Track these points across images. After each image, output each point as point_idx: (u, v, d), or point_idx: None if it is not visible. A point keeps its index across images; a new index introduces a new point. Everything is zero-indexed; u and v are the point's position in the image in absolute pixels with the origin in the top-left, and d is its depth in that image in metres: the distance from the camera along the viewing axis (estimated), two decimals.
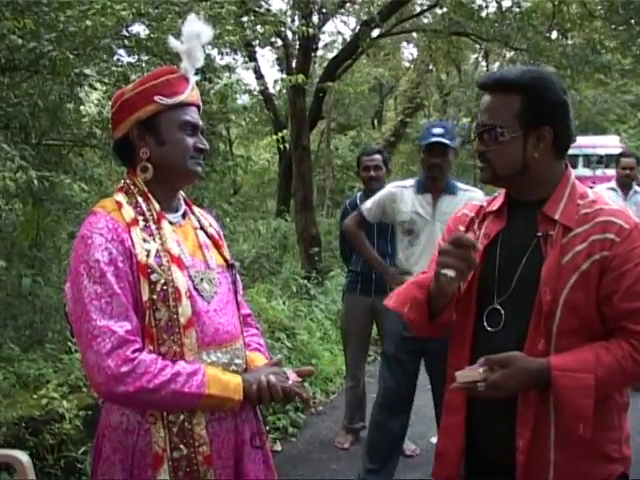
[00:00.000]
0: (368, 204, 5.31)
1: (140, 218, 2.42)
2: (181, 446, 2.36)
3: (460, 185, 5.17)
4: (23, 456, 3.64)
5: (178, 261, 2.41)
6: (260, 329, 2.93)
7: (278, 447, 6.31)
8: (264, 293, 9.19)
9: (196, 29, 2.54)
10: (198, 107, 2.57)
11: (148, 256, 2.36)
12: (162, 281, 2.34)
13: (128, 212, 2.41)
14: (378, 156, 6.17)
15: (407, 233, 5.03)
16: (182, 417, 2.37)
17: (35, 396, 4.95)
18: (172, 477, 2.35)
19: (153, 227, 2.42)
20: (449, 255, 2.38)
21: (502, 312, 2.52)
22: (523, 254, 2.51)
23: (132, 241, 2.35)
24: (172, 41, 2.56)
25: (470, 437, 2.63)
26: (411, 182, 5.20)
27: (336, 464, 5.77)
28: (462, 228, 2.74)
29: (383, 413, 5.10)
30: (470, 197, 5.03)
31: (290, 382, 2.49)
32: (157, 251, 2.38)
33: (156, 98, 2.43)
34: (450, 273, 2.37)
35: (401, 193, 5.11)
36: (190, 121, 2.49)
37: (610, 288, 2.37)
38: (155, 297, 2.34)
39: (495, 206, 2.68)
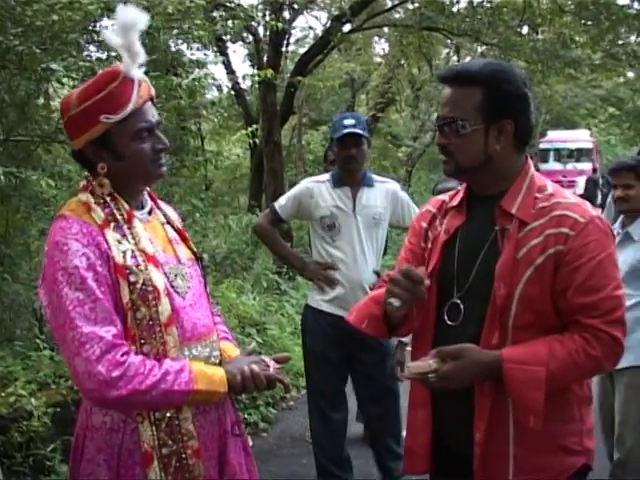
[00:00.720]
0: (282, 200, 5.11)
1: (111, 219, 2.38)
2: (170, 442, 2.36)
3: (376, 177, 5.11)
4: None
5: (154, 260, 2.39)
6: (222, 316, 2.93)
7: (249, 442, 6.28)
8: (235, 288, 9.17)
9: (130, 19, 2.39)
10: (152, 99, 2.47)
11: (125, 257, 2.33)
12: (140, 281, 2.33)
13: (98, 214, 2.37)
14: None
15: (328, 228, 4.87)
16: (169, 414, 2.37)
17: (3, 394, 4.91)
18: (162, 474, 2.35)
19: (125, 227, 2.39)
20: (398, 285, 2.41)
21: (461, 306, 2.53)
22: (481, 248, 2.51)
23: (108, 244, 2.32)
24: (107, 35, 2.43)
25: (435, 431, 2.65)
26: (326, 177, 5.06)
27: (307, 459, 5.76)
28: (424, 225, 2.75)
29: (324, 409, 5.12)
30: (387, 189, 5.03)
31: (271, 369, 2.50)
32: (132, 251, 2.36)
33: (102, 118, 2.32)
34: (396, 303, 2.41)
35: (318, 188, 4.95)
36: (144, 127, 2.40)
37: (564, 283, 2.38)
38: (135, 297, 2.32)
39: (456, 201, 2.69)
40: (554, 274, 2.38)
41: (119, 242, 2.35)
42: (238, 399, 6.39)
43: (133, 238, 2.39)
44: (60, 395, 5.08)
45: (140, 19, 2.40)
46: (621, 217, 4.55)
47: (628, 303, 4.07)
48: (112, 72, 2.38)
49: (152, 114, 2.45)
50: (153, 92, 2.49)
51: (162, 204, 2.70)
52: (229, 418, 2.57)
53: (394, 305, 2.41)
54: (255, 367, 2.46)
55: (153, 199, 2.64)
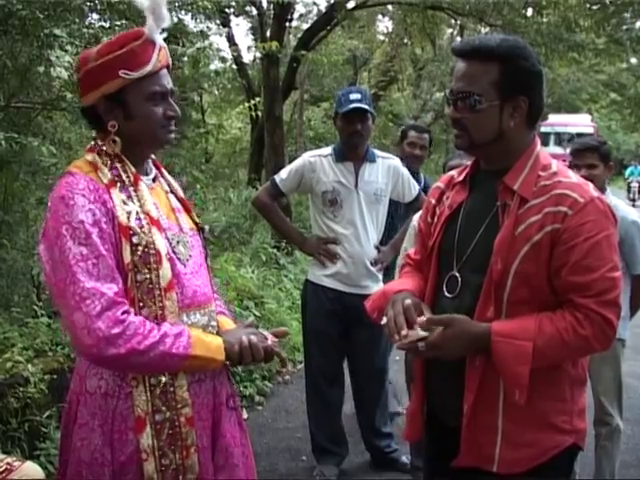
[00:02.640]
0: (283, 174, 5.07)
1: (117, 179, 2.39)
2: (163, 409, 2.37)
3: (378, 152, 5.09)
4: None
5: (157, 223, 2.40)
6: (219, 292, 2.93)
7: (244, 415, 6.30)
8: (233, 262, 9.17)
9: None
10: (168, 67, 2.50)
11: (129, 218, 2.33)
12: (143, 243, 2.33)
13: (105, 173, 2.38)
14: (427, 136, 5.87)
15: (330, 204, 4.87)
16: (164, 380, 2.36)
17: (7, 358, 4.90)
18: (155, 440, 2.35)
19: (131, 189, 2.40)
20: (393, 307, 2.52)
21: (459, 279, 2.56)
22: (482, 223, 2.54)
23: (113, 202, 2.33)
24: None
25: (428, 402, 2.72)
26: (328, 150, 5.03)
27: (302, 432, 5.78)
28: (433, 201, 2.79)
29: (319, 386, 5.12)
30: (389, 164, 5.01)
31: (269, 342, 2.50)
32: (137, 213, 2.36)
33: (121, 73, 2.34)
34: (384, 320, 2.54)
35: (320, 162, 4.94)
36: (159, 90, 2.43)
37: (559, 261, 2.39)
38: (137, 259, 2.32)
39: (461, 177, 2.71)
40: (550, 252, 2.40)
41: (124, 202, 2.35)
42: (234, 372, 6.44)
43: (138, 200, 2.39)
44: (57, 362, 5.08)
45: None
46: None
47: None
48: (136, 32, 2.40)
49: (167, 81, 2.47)
50: (170, 61, 2.51)
51: (166, 173, 2.69)
52: (225, 390, 2.57)
53: (383, 322, 2.54)
54: (253, 338, 2.47)
55: (158, 167, 2.64)
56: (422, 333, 2.40)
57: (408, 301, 2.52)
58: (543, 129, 29.80)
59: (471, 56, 2.49)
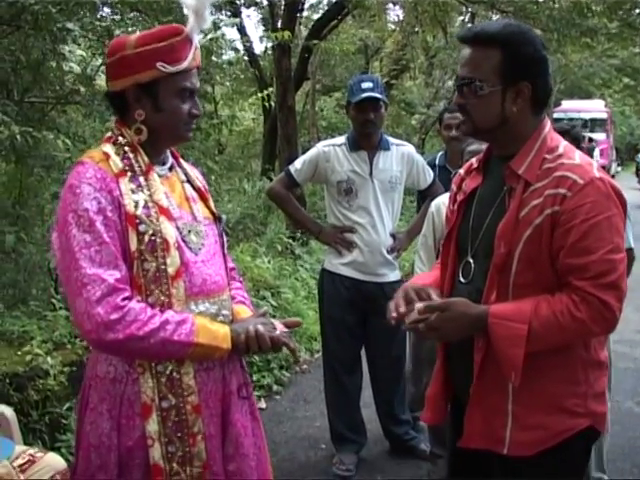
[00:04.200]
0: (297, 164, 5.07)
1: (128, 169, 2.41)
2: (170, 396, 2.38)
3: (392, 140, 5.09)
4: (7, 411, 3.66)
5: (166, 212, 2.42)
6: (243, 283, 2.94)
7: (263, 404, 6.34)
8: (249, 252, 9.18)
9: None
10: (198, 68, 2.54)
11: (136, 207, 2.36)
12: (150, 232, 2.35)
13: (116, 163, 2.41)
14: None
15: (345, 193, 4.87)
16: (170, 367, 2.38)
17: (19, 352, 4.93)
18: (161, 426, 2.37)
19: (141, 179, 2.42)
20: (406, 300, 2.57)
21: (472, 264, 2.59)
22: (491, 208, 2.56)
23: (120, 191, 2.36)
24: None
25: (448, 382, 2.76)
26: (342, 140, 5.03)
27: (320, 421, 5.79)
28: (455, 188, 2.81)
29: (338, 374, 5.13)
30: (403, 152, 5.00)
31: (277, 332, 2.50)
32: (145, 202, 2.39)
33: (158, 65, 2.38)
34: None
35: (334, 152, 4.93)
36: (188, 88, 2.47)
37: (558, 243, 2.40)
38: (143, 248, 2.34)
39: (476, 163, 2.74)
40: (551, 235, 2.41)
41: (133, 192, 2.38)
42: (252, 361, 6.46)
43: (148, 189, 2.41)
44: (75, 354, 5.11)
45: None
46: None
47: None
48: (176, 27, 2.46)
49: (197, 80, 2.52)
50: (201, 63, 2.56)
51: (184, 163, 2.71)
52: (236, 379, 2.58)
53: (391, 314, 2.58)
54: (260, 328, 2.48)
55: (175, 157, 2.66)
56: (421, 315, 2.46)
57: (408, 284, 2.60)
58: (556, 115, 29.66)
59: (474, 42, 2.50)
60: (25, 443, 3.82)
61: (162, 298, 2.36)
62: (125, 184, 2.37)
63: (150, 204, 2.39)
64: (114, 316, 2.23)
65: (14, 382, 4.67)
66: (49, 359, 4.88)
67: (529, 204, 2.43)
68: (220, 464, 2.50)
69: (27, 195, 7.38)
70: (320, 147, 5.05)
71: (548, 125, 2.58)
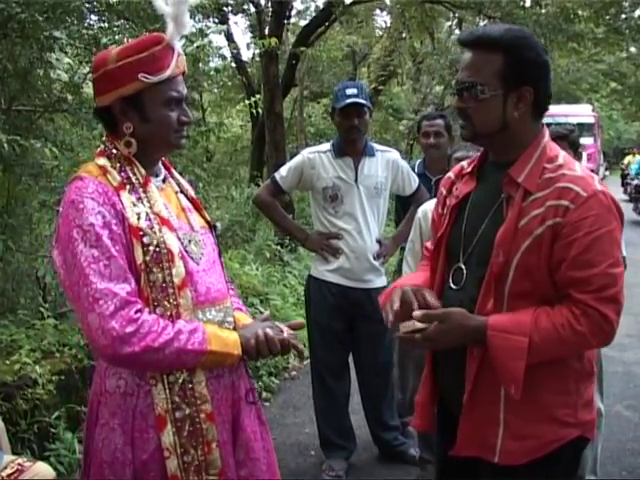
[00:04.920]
0: (283, 171, 5.08)
1: (127, 182, 2.41)
2: (183, 405, 2.38)
3: (377, 146, 5.11)
4: None
5: (168, 223, 2.42)
6: (235, 290, 2.95)
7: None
8: (237, 259, 9.19)
9: None
10: (184, 74, 2.52)
11: (139, 219, 2.36)
12: (154, 243, 2.35)
13: (114, 176, 2.40)
14: (440, 121, 5.52)
15: (331, 199, 4.87)
16: (182, 377, 2.38)
17: (8, 362, 4.92)
18: (176, 437, 2.37)
19: (140, 191, 2.42)
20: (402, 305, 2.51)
21: (464, 271, 2.57)
22: (486, 214, 2.54)
23: (122, 204, 2.35)
24: (157, 3, 2.47)
25: (436, 389, 2.75)
26: (327, 146, 5.04)
27: (310, 428, 5.79)
28: (444, 191, 2.80)
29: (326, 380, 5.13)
30: (388, 158, 5.03)
31: (285, 335, 2.52)
32: (147, 214, 2.38)
33: (140, 76, 2.37)
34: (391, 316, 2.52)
35: (319, 158, 4.94)
36: (175, 96, 2.46)
37: (560, 255, 2.38)
38: (148, 259, 2.34)
39: (469, 167, 2.72)
40: (551, 246, 2.39)
41: (134, 204, 2.37)
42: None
43: (148, 201, 2.41)
44: (64, 363, 5.11)
45: None
46: None
47: None
48: (157, 36, 2.44)
49: (183, 87, 2.51)
50: (186, 69, 2.54)
51: (175, 174, 2.71)
52: (243, 385, 2.59)
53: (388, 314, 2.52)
54: (269, 331, 2.49)
55: (167, 168, 2.66)
56: (419, 325, 2.41)
57: (407, 289, 2.54)
58: (544, 120, 29.73)
59: (475, 46, 2.49)
60: (14, 452, 3.81)
61: (170, 308, 2.36)
62: (126, 197, 2.37)
63: (152, 216, 2.39)
64: (129, 329, 2.22)
65: (2, 391, 4.65)
66: (37, 368, 4.88)
67: (529, 214, 2.41)
68: (234, 470, 2.51)
69: (15, 204, 7.35)
70: (305, 154, 5.06)
71: (547, 133, 2.59)
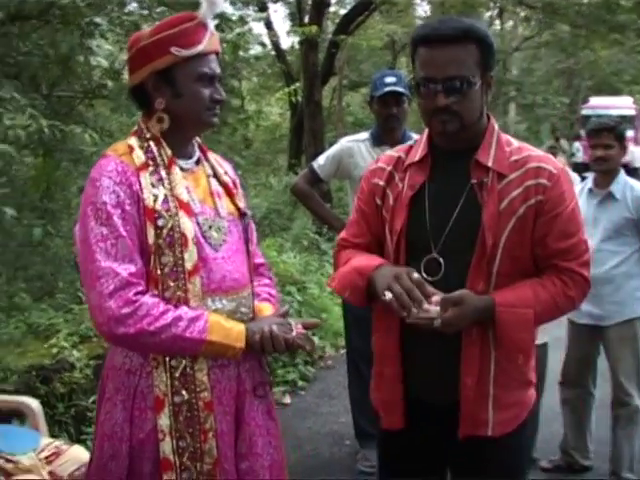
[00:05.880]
0: (321, 160, 5.04)
1: (150, 162, 2.40)
2: (182, 391, 2.37)
3: (415, 135, 4.98)
4: (34, 402, 3.68)
5: (186, 207, 2.40)
6: (273, 279, 2.91)
7: (287, 400, 6.35)
8: (275, 247, 9.19)
9: None
10: (217, 53, 2.51)
11: (155, 201, 2.34)
12: (169, 226, 2.34)
13: (139, 156, 2.39)
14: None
15: None
16: (184, 362, 2.37)
17: (46, 345, 4.98)
18: (173, 421, 2.36)
19: (163, 172, 2.40)
20: (399, 282, 2.42)
21: (440, 260, 2.55)
22: (456, 202, 2.53)
23: (140, 185, 2.34)
24: None
25: (406, 385, 2.69)
26: (365, 135, 4.98)
27: (345, 417, 5.77)
28: (381, 183, 2.71)
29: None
30: None
31: (294, 333, 2.48)
32: (165, 196, 2.37)
33: (172, 49, 2.36)
34: (389, 296, 2.41)
35: (357, 147, 4.89)
36: (207, 73, 2.44)
37: (543, 230, 2.49)
38: (161, 242, 2.33)
39: (417, 157, 2.65)
40: (534, 223, 2.48)
41: (153, 186, 2.36)
42: (277, 357, 6.46)
43: (169, 184, 2.39)
44: (101, 347, 5.12)
45: None
46: (593, 176, 4.69)
47: (616, 259, 4.44)
48: (189, 14, 2.44)
49: (216, 65, 2.49)
50: (219, 48, 2.53)
51: (216, 158, 2.69)
52: (252, 377, 2.55)
53: (387, 298, 2.42)
54: (275, 328, 2.44)
55: (203, 151, 2.64)
56: (435, 310, 2.41)
57: (416, 275, 2.47)
58: (585, 112, 29.39)
59: (454, 40, 2.45)
60: (51, 435, 3.84)
61: (178, 293, 2.35)
62: (145, 178, 2.36)
63: (170, 198, 2.37)
64: (125, 310, 2.23)
65: (41, 374, 4.70)
66: (75, 352, 4.92)
67: (508, 196, 2.48)
68: (232, 462, 2.48)
69: (54, 189, 7.43)
70: (343, 143, 5.03)
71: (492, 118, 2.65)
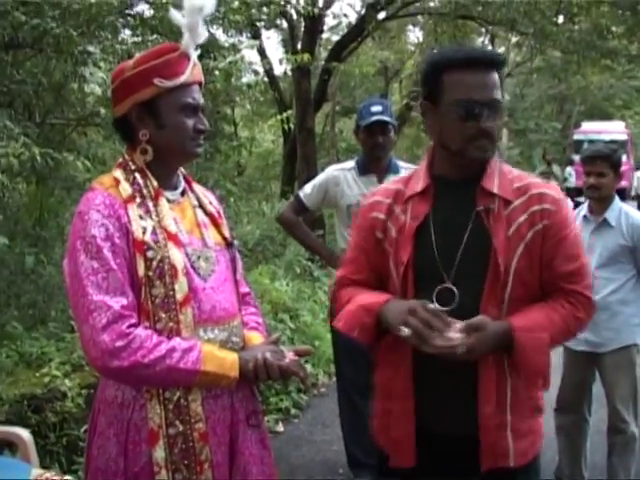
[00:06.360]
0: (307, 189, 5.05)
1: (137, 195, 2.41)
2: (177, 423, 2.36)
3: (401, 163, 5.03)
4: (24, 433, 3.64)
5: (175, 238, 2.40)
6: (259, 308, 2.91)
7: (280, 428, 6.32)
8: (268, 274, 9.18)
9: (198, 2, 2.46)
10: (200, 84, 2.53)
11: (144, 233, 2.35)
12: (158, 258, 2.34)
13: (125, 188, 2.40)
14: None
15: (355, 217, 4.83)
16: (178, 394, 2.36)
17: (37, 374, 4.95)
18: (168, 453, 2.35)
19: (150, 204, 2.41)
20: (415, 315, 2.40)
21: (454, 289, 2.53)
22: (463, 230, 2.54)
23: (128, 217, 2.35)
24: (173, 14, 2.50)
25: (419, 420, 2.64)
26: (351, 164, 5.00)
27: (338, 445, 5.74)
28: (382, 216, 2.69)
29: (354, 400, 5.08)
30: None
31: (287, 360, 2.47)
32: (153, 228, 2.37)
33: (155, 81, 2.38)
34: (408, 332, 2.39)
35: (344, 176, 4.90)
36: (191, 103, 2.45)
37: (551, 253, 2.53)
38: (151, 274, 2.33)
39: (418, 188, 2.64)
40: (541, 247, 2.52)
41: (141, 217, 2.37)
42: (270, 385, 6.44)
43: (157, 215, 2.40)
44: (93, 377, 5.08)
45: (208, 4, 2.49)
46: (587, 202, 4.71)
47: (611, 286, 4.44)
48: (172, 45, 2.47)
49: (199, 96, 2.51)
50: (202, 78, 2.55)
51: (198, 188, 2.70)
52: (245, 406, 2.54)
53: (406, 334, 2.40)
54: (269, 356, 2.44)
55: (188, 181, 2.65)
56: (457, 337, 2.38)
57: (432, 306, 2.46)
58: (576, 137, 29.58)
59: (495, 65, 2.56)
60: (42, 466, 3.81)
61: (170, 324, 2.35)
62: (134, 210, 2.37)
63: (158, 230, 2.38)
64: (119, 343, 2.22)
65: (32, 404, 4.68)
66: (67, 381, 4.89)
67: (515, 222, 2.51)
68: None
69: (47, 216, 7.42)
70: (329, 171, 5.04)
71: None
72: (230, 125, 15.34)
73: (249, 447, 2.54)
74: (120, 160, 2.51)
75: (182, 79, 2.41)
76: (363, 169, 4.89)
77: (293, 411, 6.76)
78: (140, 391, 2.36)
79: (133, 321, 2.28)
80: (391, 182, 2.83)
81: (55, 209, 7.46)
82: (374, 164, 4.86)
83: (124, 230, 2.33)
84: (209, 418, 2.41)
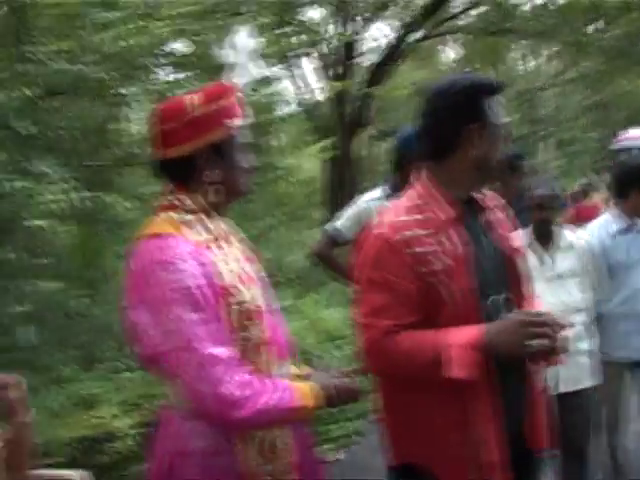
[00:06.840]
0: (338, 224, 4.99)
1: (211, 237, 2.36)
2: (271, 460, 2.35)
3: None
4: (84, 474, 3.66)
5: (250, 278, 2.39)
6: None
7: (341, 455, 6.30)
8: (313, 303, 9.14)
9: (248, 43, 2.49)
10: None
11: (227, 277, 2.30)
12: (243, 300, 2.31)
13: (198, 231, 2.34)
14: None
15: None
16: (272, 432, 2.36)
17: (92, 415, 4.97)
18: None
19: (225, 246, 2.39)
20: (531, 326, 2.43)
21: (511, 297, 2.68)
22: (482, 244, 2.66)
23: (210, 262, 2.28)
24: (223, 54, 2.51)
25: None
26: (378, 193, 4.85)
27: None
28: (419, 249, 2.56)
29: None
30: None
31: (351, 382, 2.47)
32: (231, 270, 2.33)
33: (226, 122, 2.38)
34: (536, 342, 2.43)
35: (374, 206, 4.65)
36: (249, 142, 2.47)
37: None
38: (240, 318, 2.30)
39: (452, 213, 2.60)
40: None
41: (220, 261, 2.32)
42: (330, 413, 6.39)
43: (234, 256, 2.39)
44: (147, 416, 5.12)
45: (255, 45, 2.48)
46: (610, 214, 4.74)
47: None
48: (229, 86, 2.47)
49: (250, 133, 2.51)
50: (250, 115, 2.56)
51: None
52: (308, 433, 2.56)
53: (534, 347, 2.43)
54: (343, 380, 2.44)
55: None
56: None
57: (533, 311, 2.63)
58: (626, 143, 29.07)
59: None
60: None
61: (262, 365, 2.34)
62: (214, 254, 2.32)
63: (237, 272, 2.35)
64: (238, 393, 2.18)
65: (88, 445, 4.70)
66: (121, 421, 4.91)
67: (500, 222, 2.76)
68: None
69: (94, 258, 7.48)
70: (361, 203, 4.96)
71: None
72: (269, 156, 15.39)
73: (321, 468, 2.61)
74: (166, 202, 2.41)
75: (242, 120, 2.43)
76: (396, 189, 4.84)
77: (354, 437, 6.75)
78: (229, 437, 2.31)
79: (245, 369, 2.24)
80: (408, 214, 2.66)
81: (100, 250, 7.52)
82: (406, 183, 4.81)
83: (209, 277, 2.26)
84: (298, 450, 2.42)
